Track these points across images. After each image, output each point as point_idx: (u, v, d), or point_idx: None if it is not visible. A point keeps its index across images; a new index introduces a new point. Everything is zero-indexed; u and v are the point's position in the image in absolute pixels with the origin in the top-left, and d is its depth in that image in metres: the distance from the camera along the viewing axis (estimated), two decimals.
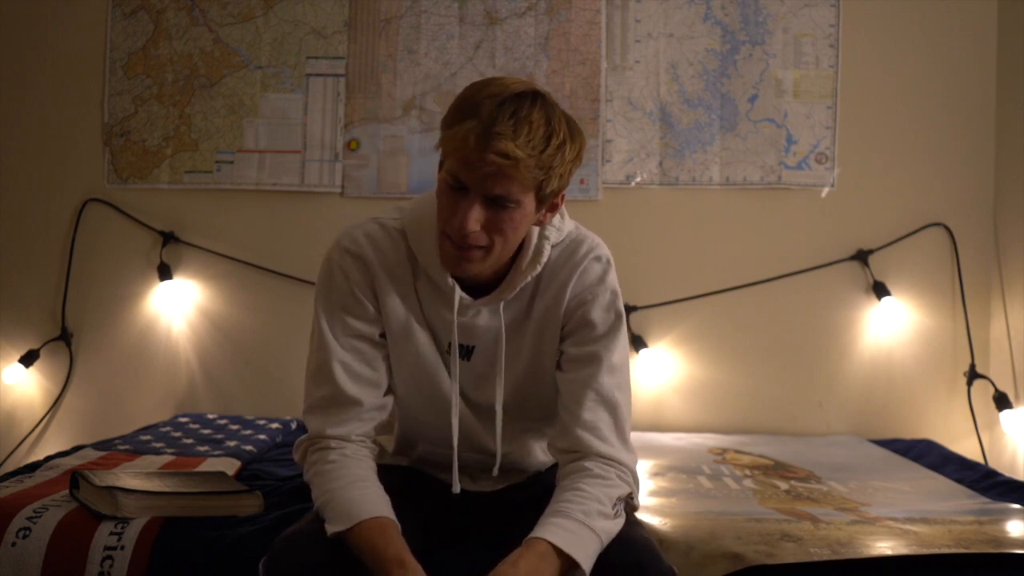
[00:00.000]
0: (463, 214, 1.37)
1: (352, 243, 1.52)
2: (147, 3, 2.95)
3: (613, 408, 1.49)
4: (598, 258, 1.53)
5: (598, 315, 1.51)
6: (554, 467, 1.68)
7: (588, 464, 1.44)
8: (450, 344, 1.53)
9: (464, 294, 1.51)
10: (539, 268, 1.50)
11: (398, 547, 1.32)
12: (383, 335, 1.53)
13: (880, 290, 2.87)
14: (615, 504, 1.41)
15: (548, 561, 1.30)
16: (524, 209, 1.40)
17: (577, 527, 1.34)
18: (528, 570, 1.28)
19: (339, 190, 2.94)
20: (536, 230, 1.50)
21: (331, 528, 1.37)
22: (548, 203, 1.44)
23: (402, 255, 1.52)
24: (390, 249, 1.52)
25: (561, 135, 1.37)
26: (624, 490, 1.44)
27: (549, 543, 1.31)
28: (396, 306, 1.51)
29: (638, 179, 2.92)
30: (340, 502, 1.39)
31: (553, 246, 1.52)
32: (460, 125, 1.34)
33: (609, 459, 1.46)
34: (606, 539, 1.37)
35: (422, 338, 1.53)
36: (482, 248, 1.41)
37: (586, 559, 1.32)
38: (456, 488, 1.53)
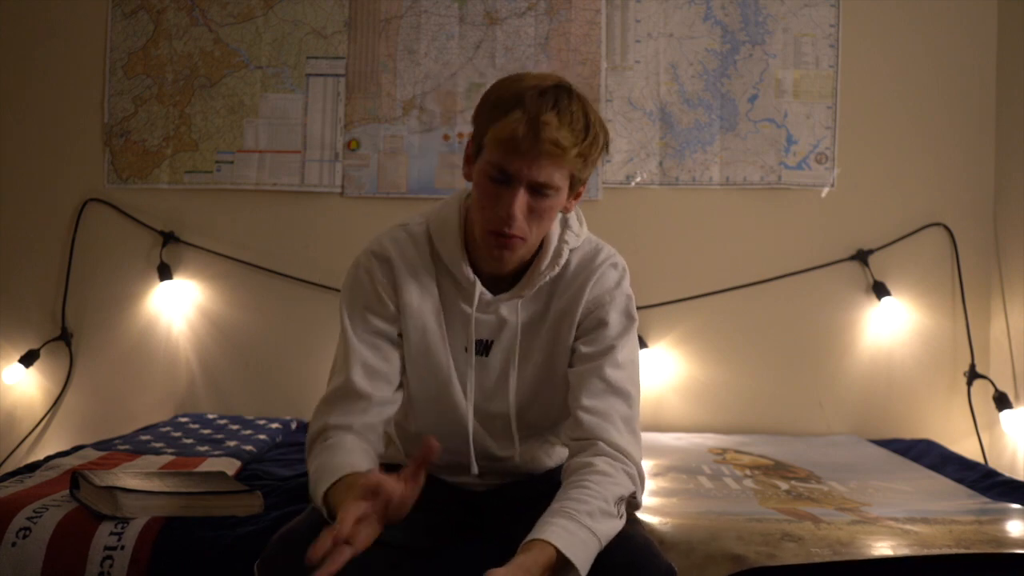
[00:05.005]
0: (509, 203, 1.44)
1: (379, 247, 1.59)
2: (147, 3, 2.95)
3: (624, 397, 1.53)
4: (615, 265, 1.61)
5: (613, 317, 1.58)
6: (562, 465, 1.69)
7: (595, 459, 1.45)
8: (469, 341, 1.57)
9: (484, 290, 1.55)
10: (557, 269, 1.56)
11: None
12: (401, 335, 1.56)
13: (880, 290, 2.87)
14: (618, 503, 1.41)
15: (545, 562, 1.29)
16: (560, 196, 1.48)
17: (578, 528, 1.33)
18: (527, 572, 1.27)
19: (339, 190, 2.93)
20: (556, 234, 1.57)
21: (316, 500, 1.37)
22: (575, 191, 1.52)
23: (426, 256, 1.57)
24: (414, 251, 1.57)
25: (596, 125, 1.46)
26: (628, 489, 1.45)
27: (550, 544, 1.30)
28: (416, 303, 1.56)
29: (638, 179, 2.92)
30: (325, 470, 1.39)
31: (572, 250, 1.59)
32: (506, 116, 1.41)
33: (617, 450, 1.47)
34: (605, 541, 1.37)
35: (438, 337, 1.56)
36: (522, 238, 1.48)
37: (584, 562, 1.32)
38: (474, 469, 1.58)
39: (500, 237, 1.47)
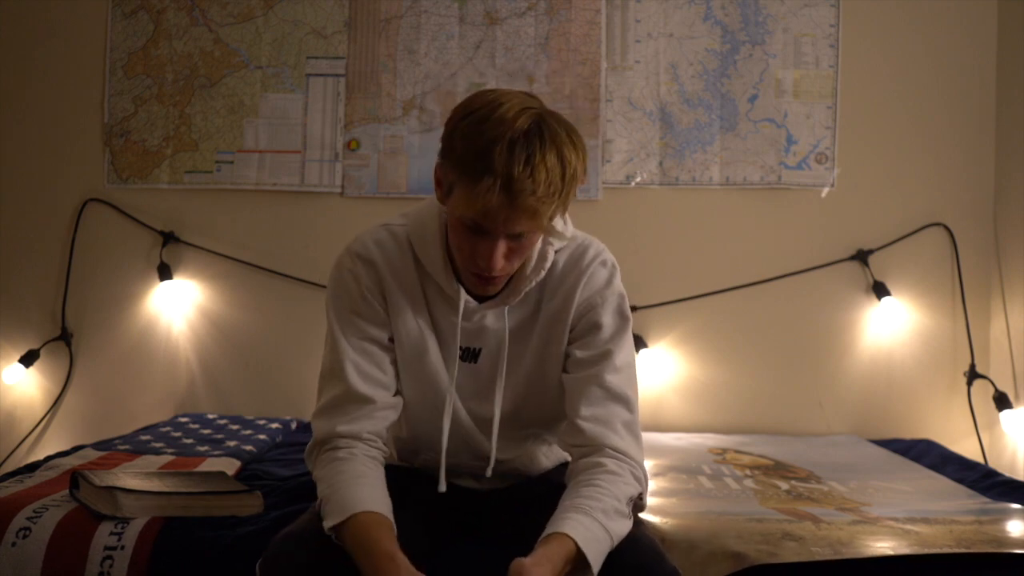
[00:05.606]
0: (489, 255, 1.39)
1: (362, 248, 1.54)
2: (147, 3, 2.96)
3: (624, 402, 1.50)
4: (604, 263, 1.56)
5: (606, 319, 1.53)
6: (560, 466, 1.69)
7: (603, 459, 1.44)
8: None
9: (470, 298, 1.52)
10: (543, 273, 1.52)
11: (389, 542, 1.30)
12: (391, 339, 1.54)
13: (880, 290, 2.87)
14: (628, 503, 1.41)
15: (566, 555, 1.29)
16: (540, 232, 1.43)
17: (594, 525, 1.33)
18: (552, 569, 1.27)
19: (339, 190, 2.93)
20: (540, 235, 1.51)
21: (327, 523, 1.36)
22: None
23: (409, 260, 1.53)
24: (398, 254, 1.53)
25: (573, 164, 1.36)
26: (636, 490, 1.44)
27: (569, 538, 1.30)
28: (404, 310, 1.53)
29: (638, 179, 2.92)
30: (339, 497, 1.38)
31: (558, 251, 1.54)
32: (478, 183, 1.33)
33: (621, 453, 1.46)
34: (616, 540, 1.37)
35: (429, 343, 1.54)
36: (506, 275, 1.45)
37: (597, 560, 1.32)
38: (442, 487, 1.53)
39: (482, 277, 1.44)
